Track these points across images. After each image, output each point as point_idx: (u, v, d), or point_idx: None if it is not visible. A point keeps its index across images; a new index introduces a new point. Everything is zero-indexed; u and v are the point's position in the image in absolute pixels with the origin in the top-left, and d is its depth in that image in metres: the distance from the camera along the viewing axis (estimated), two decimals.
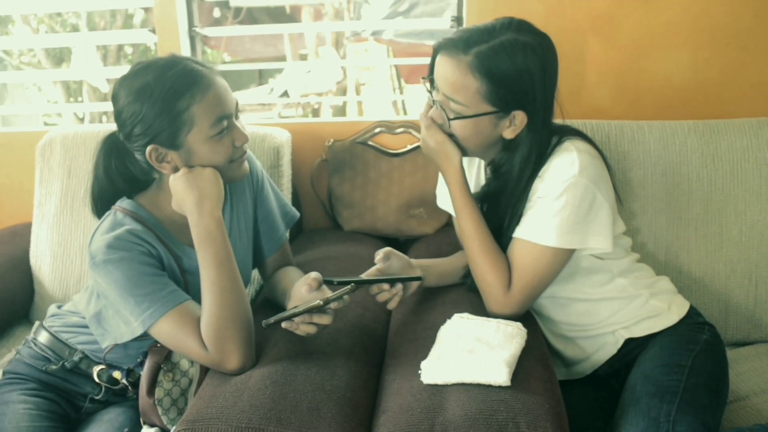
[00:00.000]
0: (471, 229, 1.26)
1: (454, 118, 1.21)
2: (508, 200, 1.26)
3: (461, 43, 1.17)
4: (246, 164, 1.28)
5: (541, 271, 1.22)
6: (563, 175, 1.19)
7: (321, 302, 1.08)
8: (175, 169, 1.21)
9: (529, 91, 1.17)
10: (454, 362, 1.06)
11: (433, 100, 1.25)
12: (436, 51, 1.22)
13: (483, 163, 1.40)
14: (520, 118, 1.20)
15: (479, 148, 1.27)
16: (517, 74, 1.15)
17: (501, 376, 1.02)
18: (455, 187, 1.28)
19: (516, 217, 1.25)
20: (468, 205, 1.27)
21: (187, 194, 1.18)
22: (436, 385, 1.05)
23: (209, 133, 1.18)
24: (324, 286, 1.17)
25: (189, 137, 1.18)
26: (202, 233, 1.17)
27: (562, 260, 1.23)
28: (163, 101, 1.15)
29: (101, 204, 1.30)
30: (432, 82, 1.25)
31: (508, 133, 1.23)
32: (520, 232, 1.23)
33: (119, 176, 1.28)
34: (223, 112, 1.19)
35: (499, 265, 1.24)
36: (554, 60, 1.21)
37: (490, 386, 1.03)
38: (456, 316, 1.21)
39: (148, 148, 1.18)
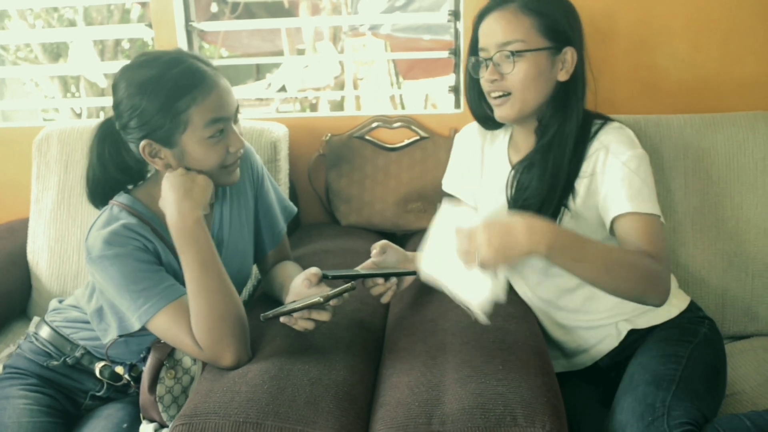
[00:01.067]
0: (606, 257, 1.09)
1: (518, 51, 1.23)
2: (557, 168, 1.27)
3: None
4: (237, 172, 1.27)
5: (665, 240, 1.21)
6: (630, 148, 1.24)
7: (321, 299, 1.08)
8: (167, 166, 1.20)
9: (576, 25, 1.28)
10: (450, 265, 1.02)
11: (485, 63, 1.28)
12: (479, 19, 1.29)
13: (506, 142, 1.41)
14: (570, 54, 1.26)
15: (540, 94, 1.28)
16: (562, 11, 1.26)
17: (481, 313, 1.00)
18: (567, 240, 1.06)
19: (570, 190, 1.27)
20: (588, 244, 1.09)
21: (170, 193, 1.17)
22: (433, 379, 1.05)
23: (203, 134, 1.17)
24: (323, 282, 1.17)
25: (184, 137, 1.17)
26: (182, 234, 1.15)
27: None
28: (164, 99, 1.14)
29: (96, 192, 1.29)
30: (476, 58, 1.30)
31: (563, 75, 1.27)
32: (627, 206, 1.19)
33: (112, 163, 1.27)
34: (219, 114, 1.18)
35: (632, 255, 1.13)
36: (579, 18, 1.31)
37: (485, 372, 1.04)
38: (446, 205, 1.11)
39: (142, 143, 1.17)
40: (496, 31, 1.25)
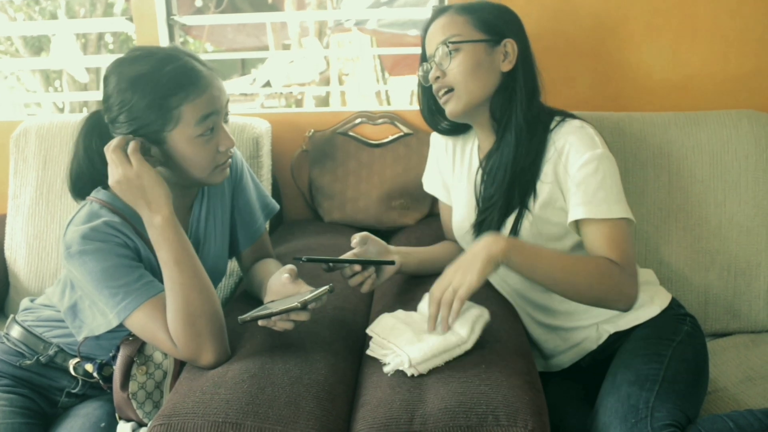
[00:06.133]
0: (564, 265, 1.16)
1: (454, 42, 1.27)
2: (515, 159, 1.27)
3: (443, 7, 1.35)
4: (227, 170, 1.26)
5: (630, 243, 1.20)
6: (591, 149, 1.23)
7: (299, 305, 1.06)
8: (156, 163, 1.18)
9: (512, 22, 1.33)
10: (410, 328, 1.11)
11: (431, 64, 1.32)
12: (424, 32, 1.35)
13: (476, 145, 1.42)
14: (511, 46, 1.30)
15: (484, 86, 1.30)
16: (497, 10, 1.33)
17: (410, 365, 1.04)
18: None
19: (530, 188, 1.28)
20: (544, 252, 1.17)
21: (133, 202, 1.15)
22: (415, 378, 1.04)
23: (194, 132, 1.16)
24: (300, 279, 1.16)
25: (173, 134, 1.16)
26: (155, 233, 1.14)
27: None
28: (155, 95, 1.13)
29: (80, 185, 1.27)
30: (426, 64, 1.35)
31: (506, 65, 1.30)
32: (586, 212, 1.20)
33: (99, 157, 1.24)
34: (210, 110, 1.17)
35: (591, 263, 1.17)
36: (517, 16, 1.36)
37: (467, 371, 1.03)
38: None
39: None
40: (437, 33, 1.31)
